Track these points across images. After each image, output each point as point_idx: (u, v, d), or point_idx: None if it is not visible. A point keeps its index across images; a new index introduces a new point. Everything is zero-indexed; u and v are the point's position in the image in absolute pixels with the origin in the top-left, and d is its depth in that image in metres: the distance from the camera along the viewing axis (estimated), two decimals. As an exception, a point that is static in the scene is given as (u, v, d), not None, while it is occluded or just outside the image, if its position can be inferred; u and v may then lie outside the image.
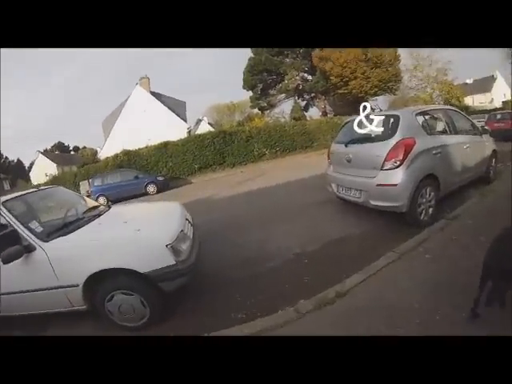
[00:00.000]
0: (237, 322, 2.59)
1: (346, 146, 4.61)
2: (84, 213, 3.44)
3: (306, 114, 31.72)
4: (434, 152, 4.07)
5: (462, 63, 57.21)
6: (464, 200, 4.71)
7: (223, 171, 16.16)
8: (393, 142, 3.84)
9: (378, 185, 3.90)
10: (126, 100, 24.25)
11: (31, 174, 44.26)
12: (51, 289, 2.63)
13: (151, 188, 13.06)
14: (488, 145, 5.68)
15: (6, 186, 40.23)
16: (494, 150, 5.88)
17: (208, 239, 4.19)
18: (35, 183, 23.13)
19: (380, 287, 2.64)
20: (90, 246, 2.65)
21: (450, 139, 4.53)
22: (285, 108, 33.13)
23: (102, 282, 2.61)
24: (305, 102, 32.48)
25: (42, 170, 37.41)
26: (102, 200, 12.49)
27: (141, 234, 2.68)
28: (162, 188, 13.21)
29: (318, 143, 18.89)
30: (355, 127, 4.50)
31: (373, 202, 4.05)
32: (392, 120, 4.11)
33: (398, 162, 3.75)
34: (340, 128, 5.43)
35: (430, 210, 4.09)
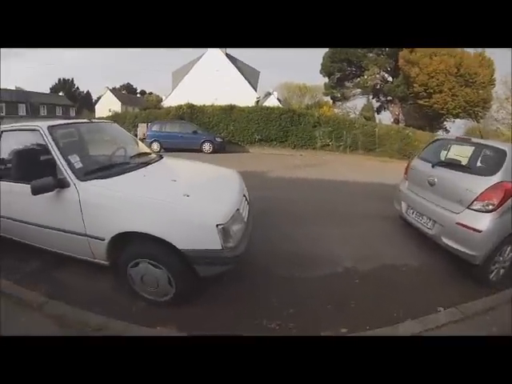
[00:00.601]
0: (267, 331, 2.27)
1: (433, 166, 4.06)
2: (132, 157, 3.06)
3: (376, 115, 30.33)
4: (530, 207, 3.46)
5: None
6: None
7: (283, 149, 15.78)
8: (492, 180, 3.28)
9: (458, 223, 3.38)
10: (201, 56, 24.35)
11: (96, 106, 46.73)
12: (76, 234, 2.38)
13: (207, 147, 13.04)
14: None
15: (72, 113, 42.94)
16: None
17: (256, 221, 3.53)
18: (98, 116, 24.14)
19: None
20: (126, 199, 2.27)
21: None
22: (357, 104, 31.83)
23: (130, 244, 2.31)
24: (379, 104, 30.81)
25: (107, 106, 39.10)
26: (155, 146, 12.79)
27: (189, 201, 2.28)
28: (218, 149, 13.11)
29: (382, 150, 17.80)
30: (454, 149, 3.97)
31: (445, 241, 3.53)
32: (496, 154, 3.52)
33: (491, 207, 3.20)
34: (428, 144, 4.88)
35: (502, 271, 3.52)
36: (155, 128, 13.51)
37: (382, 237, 4.46)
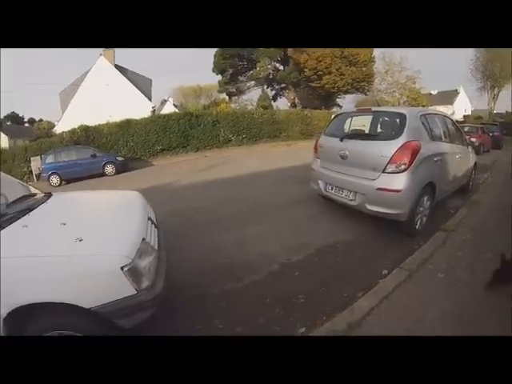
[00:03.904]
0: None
1: (341, 140, 4.10)
2: (9, 206, 2.28)
3: (273, 103, 31.29)
4: (435, 159, 3.78)
5: (429, 74, 61.25)
6: (447, 210, 4.63)
7: (186, 155, 15.28)
8: (399, 142, 3.44)
9: (378, 188, 3.48)
10: (88, 71, 22.07)
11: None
12: None
13: (109, 168, 11.90)
14: (472, 157, 5.68)
15: None
16: (475, 163, 5.95)
17: (172, 241, 2.94)
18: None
19: (398, 316, 2.21)
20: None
21: (447, 147, 4.30)
22: (253, 96, 32.40)
23: (29, 320, 1.71)
24: (274, 92, 32.08)
25: (-9, 143, 33.07)
26: (54, 179, 11.30)
27: (83, 247, 1.80)
28: (121, 169, 12.12)
29: (286, 134, 18.72)
30: (355, 121, 4.10)
31: (370, 207, 3.62)
32: (397, 119, 3.73)
33: (404, 166, 3.36)
34: (332, 119, 4.96)
35: (424, 219, 3.82)
36: (50, 159, 11.72)
37: (307, 220, 4.39)
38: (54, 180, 11.30)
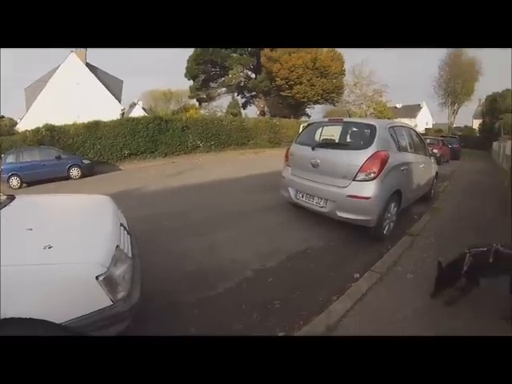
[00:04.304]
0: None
1: (313, 149, 4.20)
2: None
3: (242, 111, 31.77)
4: (401, 168, 4.00)
5: (395, 89, 64.82)
6: (411, 216, 4.90)
7: (154, 160, 14.99)
8: (369, 152, 3.61)
9: (348, 196, 3.61)
10: (57, 68, 20.97)
11: None
12: None
13: (75, 172, 11.33)
14: (434, 166, 6.06)
15: None
16: (437, 172, 6.35)
17: (139, 245, 2.65)
18: None
19: (372, 316, 2.31)
20: None
21: (413, 157, 4.55)
22: (223, 102, 32.74)
23: None
24: (244, 100, 32.38)
25: None
26: (15, 181, 10.54)
27: (53, 254, 1.65)
28: (87, 172, 11.59)
29: (254, 142, 18.92)
30: (325, 131, 4.23)
31: (340, 214, 3.74)
32: (368, 130, 3.91)
33: (373, 175, 3.53)
34: (303, 128, 5.09)
35: (392, 225, 4.02)
36: (10, 159, 10.88)
37: (278, 227, 4.44)
38: (14, 182, 10.53)
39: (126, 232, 2.37)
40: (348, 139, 4.33)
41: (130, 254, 2.10)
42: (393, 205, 3.91)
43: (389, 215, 3.86)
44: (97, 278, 1.58)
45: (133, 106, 37.80)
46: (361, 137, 4.07)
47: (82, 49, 21.08)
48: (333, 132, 4.65)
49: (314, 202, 4.10)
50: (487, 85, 49.92)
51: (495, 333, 1.82)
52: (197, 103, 32.49)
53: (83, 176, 11.39)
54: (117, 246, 1.90)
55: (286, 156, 4.83)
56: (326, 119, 5.07)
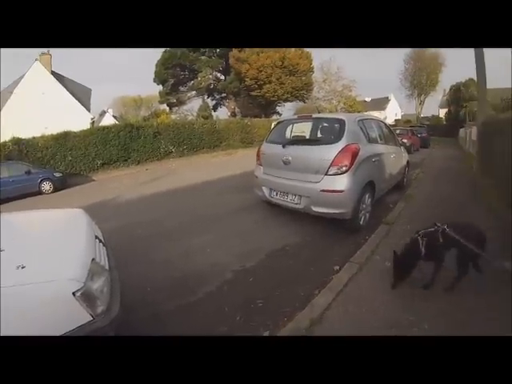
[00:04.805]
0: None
1: (283, 146, 4.23)
2: None
3: (213, 113, 31.85)
4: (373, 159, 4.10)
5: (364, 83, 66.83)
6: (386, 205, 5.05)
7: (127, 168, 14.75)
8: (340, 146, 3.67)
9: (322, 190, 3.66)
10: (22, 77, 19.90)
11: None
12: None
13: (47, 186, 10.89)
14: (404, 156, 6.26)
15: None
16: (408, 161, 6.57)
17: (115, 256, 2.56)
18: None
19: (355, 307, 2.35)
20: None
21: (383, 148, 4.69)
22: (194, 106, 32.67)
23: None
24: (214, 102, 32.47)
25: None
26: None
27: (27, 274, 1.60)
28: (59, 186, 11.19)
29: (226, 143, 19.04)
30: (295, 128, 4.28)
31: (315, 209, 3.79)
32: (337, 124, 3.99)
33: (345, 168, 3.59)
34: (273, 127, 5.10)
35: (367, 215, 4.11)
36: None
37: (254, 226, 4.46)
38: None
39: (101, 244, 2.31)
40: (319, 135, 4.40)
41: (106, 267, 2.05)
42: (367, 196, 4.00)
43: (364, 206, 3.94)
44: (74, 294, 1.54)
45: (103, 114, 36.98)
46: (331, 131, 4.13)
47: (47, 54, 20.29)
48: (303, 129, 4.74)
49: (289, 199, 4.13)
50: (451, 75, 52.28)
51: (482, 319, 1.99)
52: (167, 108, 32.27)
53: (56, 190, 10.97)
54: (92, 260, 1.85)
55: (258, 155, 4.84)
56: (296, 116, 5.12)
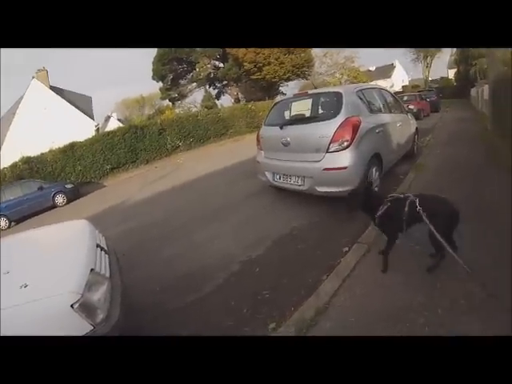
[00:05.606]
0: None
1: (281, 128, 4.06)
2: None
3: (217, 102, 31.43)
4: (377, 131, 3.89)
5: (366, 52, 64.77)
6: (396, 177, 4.80)
7: (137, 169, 14.85)
8: (339, 120, 3.47)
9: (324, 169, 3.49)
10: (22, 97, 20.26)
11: None
12: None
13: (60, 198, 11.11)
14: (412, 123, 5.96)
15: None
16: (417, 128, 6.26)
17: (126, 259, 2.97)
18: None
19: (363, 292, 2.20)
20: None
21: (388, 117, 4.45)
22: (197, 97, 32.46)
23: None
24: (216, 91, 32.02)
25: None
26: (2, 222, 10.16)
27: (29, 292, 1.67)
28: (72, 197, 11.42)
29: (233, 130, 18.78)
30: (295, 107, 4.09)
31: (320, 189, 3.62)
32: (334, 98, 3.77)
33: (346, 143, 3.40)
34: (270, 109, 4.92)
35: (376, 189, 3.89)
36: None
37: (261, 213, 4.36)
38: (2, 223, 10.15)
39: (103, 252, 2.33)
40: (320, 111, 4.21)
41: (107, 274, 2.07)
42: (374, 169, 3.79)
43: (371, 181, 3.75)
44: (72, 306, 1.59)
45: (108, 119, 37.13)
46: (329, 106, 3.93)
47: (43, 71, 20.55)
48: (306, 106, 4.53)
49: (292, 182, 3.99)
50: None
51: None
52: (170, 103, 32.06)
53: (69, 201, 11.20)
54: (91, 270, 1.88)
55: (258, 140, 4.70)
56: (291, 95, 4.91)
